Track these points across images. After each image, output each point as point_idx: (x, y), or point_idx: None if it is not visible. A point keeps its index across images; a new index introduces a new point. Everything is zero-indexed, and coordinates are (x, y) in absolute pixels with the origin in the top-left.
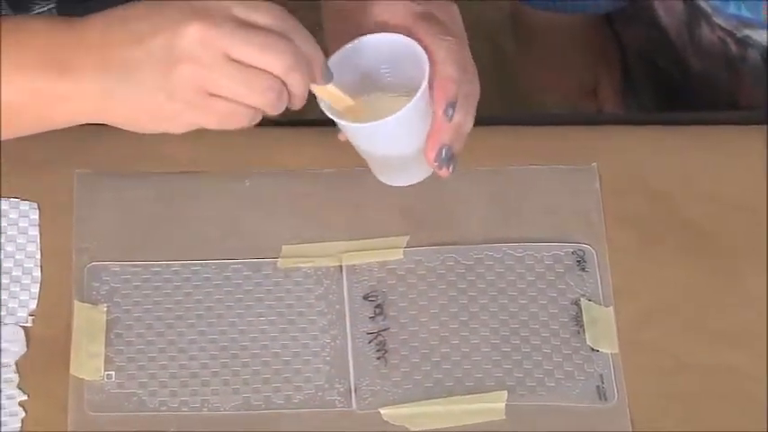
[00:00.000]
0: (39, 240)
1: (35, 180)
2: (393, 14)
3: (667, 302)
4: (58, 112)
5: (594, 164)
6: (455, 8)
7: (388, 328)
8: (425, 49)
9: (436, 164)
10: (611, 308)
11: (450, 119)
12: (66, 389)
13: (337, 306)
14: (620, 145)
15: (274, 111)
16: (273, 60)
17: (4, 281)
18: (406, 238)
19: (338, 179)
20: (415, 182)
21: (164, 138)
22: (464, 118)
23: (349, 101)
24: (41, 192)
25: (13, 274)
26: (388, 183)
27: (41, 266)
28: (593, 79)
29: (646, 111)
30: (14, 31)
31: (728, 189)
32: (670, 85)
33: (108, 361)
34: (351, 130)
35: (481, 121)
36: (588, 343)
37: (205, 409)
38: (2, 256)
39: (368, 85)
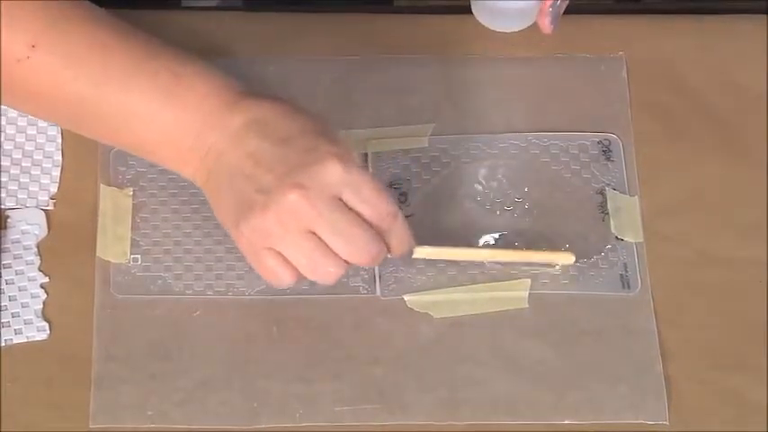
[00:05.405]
0: None
1: None
2: None
3: (692, 193)
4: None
5: (621, 53)
6: None
7: (412, 215)
8: None
9: (548, 19)
10: (636, 197)
11: None
12: (90, 272)
13: None
14: (648, 34)
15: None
16: (349, 256)
17: (24, 164)
18: (431, 126)
19: (364, 66)
20: (516, 29)
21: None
22: None
23: (444, 252)
24: None
25: (35, 157)
26: (489, 26)
27: (63, 151)
28: None
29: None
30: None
31: (756, 82)
32: None
33: (134, 244)
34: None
35: None
36: (612, 232)
37: (230, 294)
38: (24, 140)
39: None
